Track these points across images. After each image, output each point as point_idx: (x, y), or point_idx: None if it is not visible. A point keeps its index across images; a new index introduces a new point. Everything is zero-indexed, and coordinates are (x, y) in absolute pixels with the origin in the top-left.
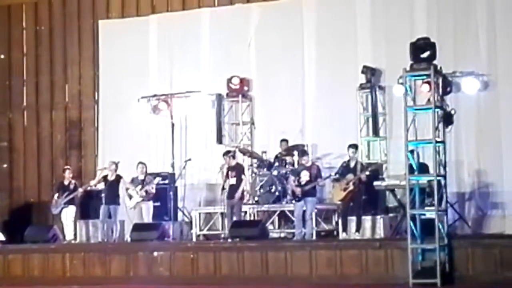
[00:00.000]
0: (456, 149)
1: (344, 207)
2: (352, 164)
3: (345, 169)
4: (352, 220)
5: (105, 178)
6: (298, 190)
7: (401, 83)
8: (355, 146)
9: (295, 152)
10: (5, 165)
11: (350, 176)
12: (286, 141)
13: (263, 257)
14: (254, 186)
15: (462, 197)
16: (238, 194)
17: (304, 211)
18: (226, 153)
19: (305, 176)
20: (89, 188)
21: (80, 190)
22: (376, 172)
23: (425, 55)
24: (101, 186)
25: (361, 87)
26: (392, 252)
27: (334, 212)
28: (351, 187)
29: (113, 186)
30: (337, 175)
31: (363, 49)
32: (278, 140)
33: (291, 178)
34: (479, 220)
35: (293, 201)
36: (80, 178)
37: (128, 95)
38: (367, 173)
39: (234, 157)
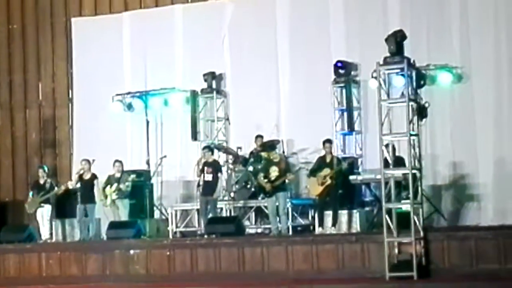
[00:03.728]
0: (431, 142)
1: (320, 202)
2: (328, 159)
3: (321, 164)
4: (329, 215)
5: (80, 177)
6: (268, 186)
7: (375, 77)
8: (330, 141)
9: None
10: None
11: (327, 171)
12: (261, 136)
13: (239, 253)
14: (229, 182)
15: (438, 190)
16: (217, 193)
17: (277, 206)
18: (206, 147)
19: (274, 171)
20: (65, 188)
21: (57, 189)
22: (352, 166)
23: (400, 48)
24: (78, 185)
25: (336, 81)
26: (368, 246)
27: (310, 207)
28: (328, 181)
29: (88, 184)
30: (313, 170)
31: (336, 44)
32: (253, 135)
33: (261, 174)
34: (455, 212)
35: (265, 197)
36: (55, 177)
37: (102, 93)
38: (345, 165)
39: (212, 152)
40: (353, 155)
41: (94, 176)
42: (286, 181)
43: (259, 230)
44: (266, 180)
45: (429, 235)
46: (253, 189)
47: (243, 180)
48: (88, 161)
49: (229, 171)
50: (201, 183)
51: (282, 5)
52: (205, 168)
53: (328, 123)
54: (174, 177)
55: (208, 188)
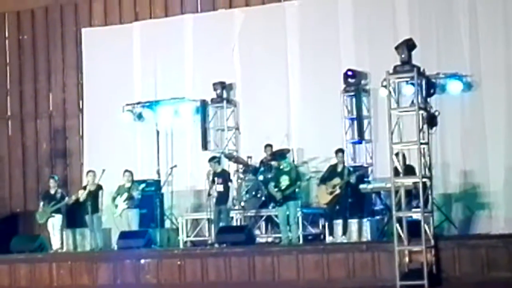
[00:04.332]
0: (442, 151)
1: (330, 211)
2: (339, 168)
3: (332, 173)
4: (339, 224)
5: (85, 188)
6: (278, 195)
7: (385, 86)
8: (342, 151)
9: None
10: None
11: (336, 180)
12: (271, 146)
13: (250, 263)
14: (240, 191)
15: (448, 198)
16: (229, 202)
17: (288, 215)
18: (212, 159)
19: (284, 180)
20: (76, 198)
21: (68, 199)
22: (362, 175)
23: (409, 56)
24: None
25: (345, 90)
26: (379, 254)
27: (321, 216)
28: (337, 191)
29: (94, 195)
30: (324, 178)
31: (346, 53)
32: (263, 145)
33: (271, 183)
34: (466, 221)
35: (276, 206)
36: (66, 187)
37: (112, 103)
38: (354, 179)
39: (219, 163)
40: (363, 164)
41: (99, 187)
42: (297, 190)
43: (270, 239)
44: (276, 189)
45: (440, 244)
46: (263, 198)
47: (254, 189)
48: (93, 172)
49: (239, 181)
50: (211, 193)
51: (292, 14)
52: (216, 179)
53: (338, 132)
54: (185, 186)
55: (221, 198)
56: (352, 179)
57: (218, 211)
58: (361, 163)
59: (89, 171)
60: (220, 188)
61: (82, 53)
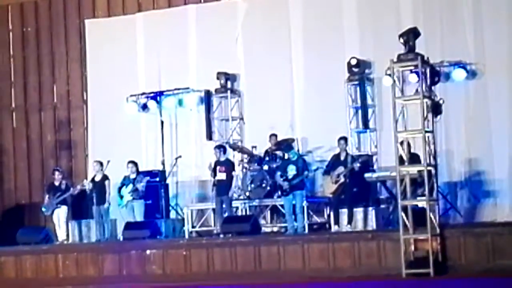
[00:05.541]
0: (447, 139)
1: (335, 200)
2: (342, 157)
3: (335, 162)
4: (344, 213)
5: (92, 179)
6: (285, 185)
7: (389, 74)
8: (345, 139)
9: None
10: None
11: (340, 169)
12: (275, 135)
13: (255, 252)
14: (245, 181)
15: (454, 187)
16: (231, 192)
17: (294, 205)
18: (218, 146)
19: (291, 170)
20: (80, 188)
21: (72, 189)
22: (367, 163)
23: (414, 45)
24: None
25: (350, 79)
26: (385, 243)
27: (326, 205)
28: (342, 180)
29: (100, 186)
30: (328, 168)
31: (350, 42)
32: (268, 134)
33: (278, 173)
34: (471, 209)
35: (282, 196)
36: (71, 178)
37: (116, 94)
38: (358, 164)
39: (225, 152)
40: (368, 152)
41: (105, 177)
42: (304, 179)
43: (275, 229)
44: (283, 179)
45: (445, 232)
46: (268, 188)
47: (259, 179)
48: (99, 162)
49: (244, 170)
50: (215, 182)
51: (295, 4)
52: (218, 167)
53: (342, 121)
54: (189, 177)
55: (222, 187)
56: (356, 166)
57: (220, 201)
58: (365, 152)
59: (95, 161)
60: (222, 176)
61: (86, 45)
